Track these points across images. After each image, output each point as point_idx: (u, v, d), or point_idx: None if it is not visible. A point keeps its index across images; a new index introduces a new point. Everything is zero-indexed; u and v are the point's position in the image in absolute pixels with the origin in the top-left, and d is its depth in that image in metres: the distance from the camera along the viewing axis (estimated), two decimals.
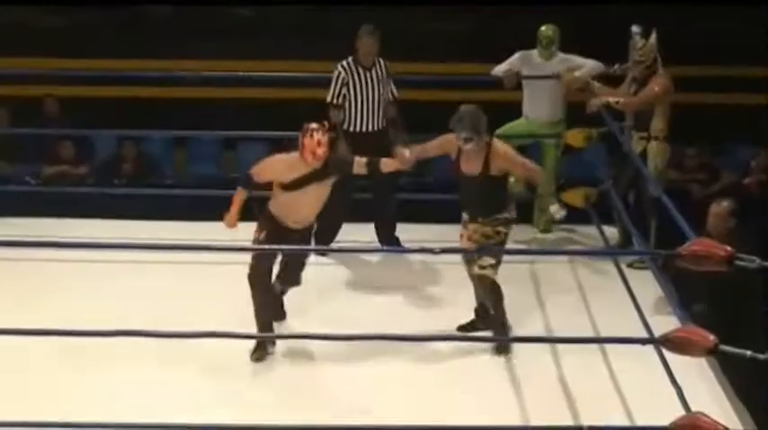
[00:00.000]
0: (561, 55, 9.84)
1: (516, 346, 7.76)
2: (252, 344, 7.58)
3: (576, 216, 9.78)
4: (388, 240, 9.42)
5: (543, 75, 9.76)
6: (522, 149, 9.97)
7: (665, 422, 5.96)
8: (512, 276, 8.74)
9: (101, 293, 8.49)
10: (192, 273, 8.74)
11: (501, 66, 9.85)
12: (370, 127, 9.25)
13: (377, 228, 9.48)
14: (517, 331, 8.05)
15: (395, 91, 9.39)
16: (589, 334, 8.04)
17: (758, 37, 11.91)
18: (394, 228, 9.48)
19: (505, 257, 8.31)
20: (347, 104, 9.23)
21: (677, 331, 6.05)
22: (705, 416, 5.88)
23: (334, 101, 9.23)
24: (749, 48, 12.16)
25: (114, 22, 13.20)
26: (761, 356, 5.65)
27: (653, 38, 9.10)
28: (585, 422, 6.87)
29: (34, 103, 12.29)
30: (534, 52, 9.84)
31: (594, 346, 7.69)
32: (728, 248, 5.79)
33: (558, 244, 9.88)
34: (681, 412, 6.12)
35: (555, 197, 9.70)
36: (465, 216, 7.86)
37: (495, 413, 6.93)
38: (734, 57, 12.42)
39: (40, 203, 10.18)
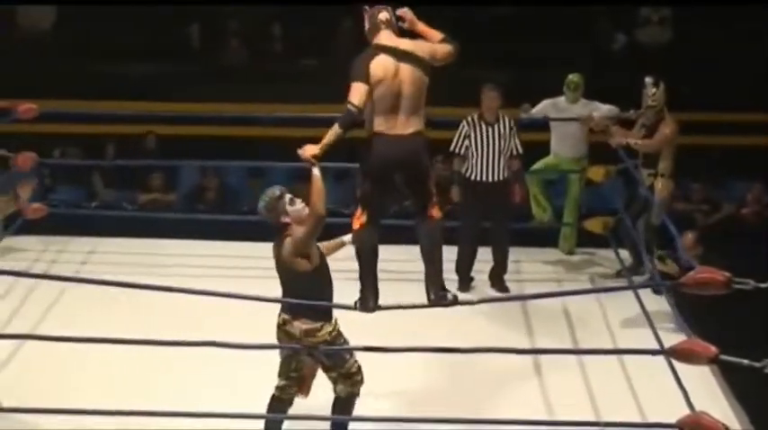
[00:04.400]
0: (584, 100, 9.86)
1: (545, 356, 7.72)
2: None
3: (596, 241, 9.78)
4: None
5: (569, 117, 9.75)
6: (550, 182, 10.12)
7: (673, 420, 5.95)
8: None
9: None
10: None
11: (533, 109, 9.89)
12: (489, 177, 8.93)
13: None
14: (545, 343, 8.04)
15: (519, 146, 9.04)
16: (609, 346, 8.00)
17: (754, 85, 11.87)
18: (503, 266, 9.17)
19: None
20: (469, 155, 8.96)
21: (683, 343, 6.01)
22: (707, 415, 5.86)
23: (456, 151, 8.99)
24: (746, 95, 12.09)
25: (204, 72, 13.29)
26: (757, 364, 5.57)
27: (662, 87, 9.10)
28: (605, 419, 6.82)
29: (137, 139, 12.32)
30: (561, 98, 9.87)
31: (614, 357, 7.66)
32: (726, 274, 5.67)
33: (581, 265, 9.84)
34: (686, 412, 6.11)
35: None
36: None
37: (527, 411, 6.88)
38: (733, 104, 12.29)
39: (135, 226, 10.23)
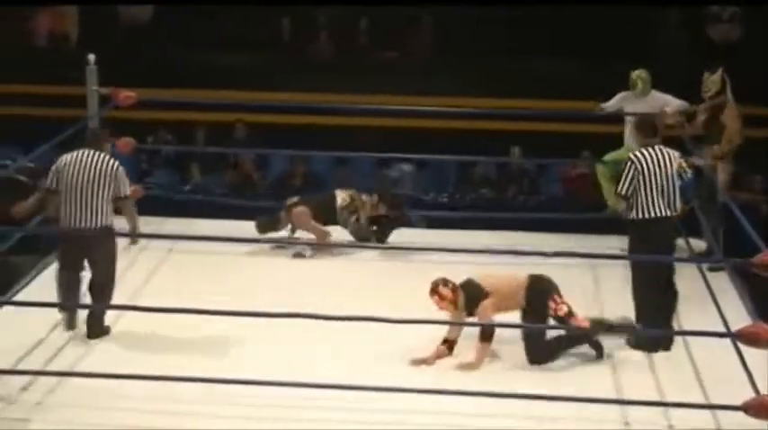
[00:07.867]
0: (655, 93, 9.66)
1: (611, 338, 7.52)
2: None
3: None
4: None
5: (641, 109, 9.50)
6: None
7: (738, 402, 5.91)
8: (611, 277, 8.69)
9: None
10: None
11: (607, 103, 9.79)
12: None
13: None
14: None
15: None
16: (675, 327, 7.76)
17: None
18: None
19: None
20: None
21: (749, 327, 5.97)
22: None
23: None
24: None
25: (291, 63, 13.33)
26: None
27: (717, 74, 9.01)
28: (670, 399, 6.67)
29: (227, 127, 12.41)
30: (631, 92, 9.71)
31: (679, 338, 7.49)
32: None
33: None
34: (751, 394, 6.01)
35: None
36: None
37: (593, 388, 6.77)
38: None
39: (224, 208, 10.23)
